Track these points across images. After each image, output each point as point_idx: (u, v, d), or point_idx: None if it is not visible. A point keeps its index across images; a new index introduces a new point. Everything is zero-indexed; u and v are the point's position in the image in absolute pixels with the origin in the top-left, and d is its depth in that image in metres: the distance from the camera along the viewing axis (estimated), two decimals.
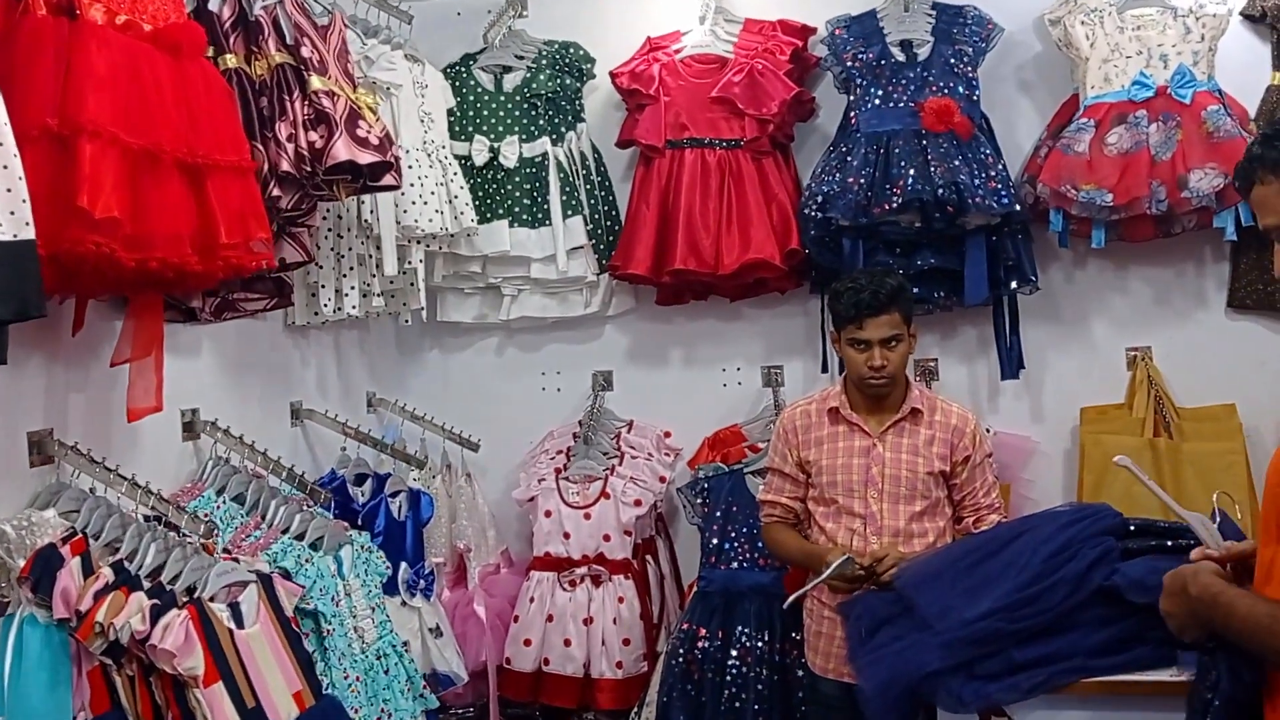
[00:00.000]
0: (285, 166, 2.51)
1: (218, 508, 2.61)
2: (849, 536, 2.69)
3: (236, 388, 2.98)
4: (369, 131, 2.66)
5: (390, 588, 2.98)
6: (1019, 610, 2.09)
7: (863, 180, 3.17)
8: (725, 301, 3.65)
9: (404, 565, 3.10)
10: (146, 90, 2.02)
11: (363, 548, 2.78)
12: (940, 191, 3.09)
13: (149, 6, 2.11)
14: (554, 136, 3.60)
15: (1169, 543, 2.14)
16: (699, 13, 3.54)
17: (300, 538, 2.62)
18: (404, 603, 3.07)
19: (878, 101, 3.27)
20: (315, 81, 2.60)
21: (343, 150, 2.55)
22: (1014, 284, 3.28)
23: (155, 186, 2.00)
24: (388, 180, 2.76)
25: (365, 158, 2.60)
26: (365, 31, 3.25)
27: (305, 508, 2.73)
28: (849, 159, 3.24)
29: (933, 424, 2.72)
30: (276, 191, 2.52)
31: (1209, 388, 3.35)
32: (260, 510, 2.67)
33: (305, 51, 2.62)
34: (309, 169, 2.54)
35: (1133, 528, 2.22)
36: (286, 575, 2.45)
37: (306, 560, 2.56)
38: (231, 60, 2.52)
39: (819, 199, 3.24)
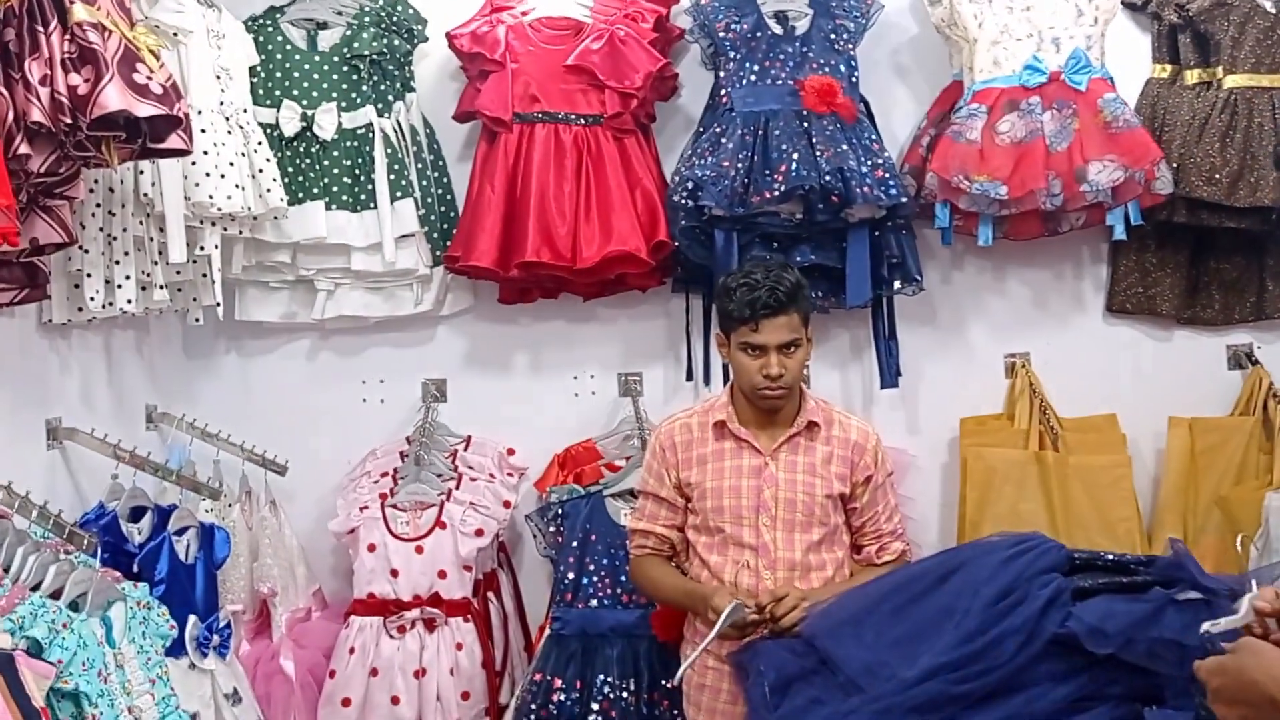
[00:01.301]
0: (36, 116, 1.94)
1: None
2: (738, 571, 2.32)
3: None
4: (150, 78, 2.10)
5: (176, 648, 2.41)
6: (965, 668, 1.76)
7: (740, 165, 2.82)
8: (577, 300, 3.23)
9: (193, 619, 2.52)
10: None
11: (139, 604, 2.22)
12: (827, 179, 2.77)
13: None
14: (379, 106, 3.09)
15: (1123, 579, 1.86)
16: None
17: (56, 595, 2.05)
18: (193, 665, 2.49)
19: (753, 78, 2.92)
20: (80, 10, 2.03)
21: (114, 97, 1.99)
22: (897, 284, 3.00)
23: None
24: (174, 142, 2.21)
25: (144, 109, 2.05)
26: None
27: (62, 555, 2.14)
28: (723, 141, 2.88)
29: (830, 439, 2.38)
30: (24, 149, 1.96)
31: (1088, 396, 3.17)
32: (3, 561, 2.06)
33: None
34: (69, 120, 1.97)
35: (1078, 560, 1.93)
36: (35, 650, 1.88)
37: (63, 626, 1.98)
38: None
39: (689, 185, 2.86)
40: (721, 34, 2.94)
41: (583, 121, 2.99)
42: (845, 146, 2.83)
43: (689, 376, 3.19)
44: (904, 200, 2.87)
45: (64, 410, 2.67)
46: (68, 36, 1.99)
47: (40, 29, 1.96)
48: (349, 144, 3.05)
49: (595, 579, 2.81)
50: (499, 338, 3.31)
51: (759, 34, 2.95)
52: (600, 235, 2.93)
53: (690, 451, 2.39)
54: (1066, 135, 2.82)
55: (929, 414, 3.25)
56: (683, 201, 2.87)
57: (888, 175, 2.85)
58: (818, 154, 2.80)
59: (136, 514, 2.64)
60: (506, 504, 3.04)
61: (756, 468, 2.34)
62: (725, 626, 2.12)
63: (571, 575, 2.82)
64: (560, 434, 3.22)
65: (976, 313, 3.27)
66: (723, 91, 2.97)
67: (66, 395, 2.71)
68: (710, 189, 2.82)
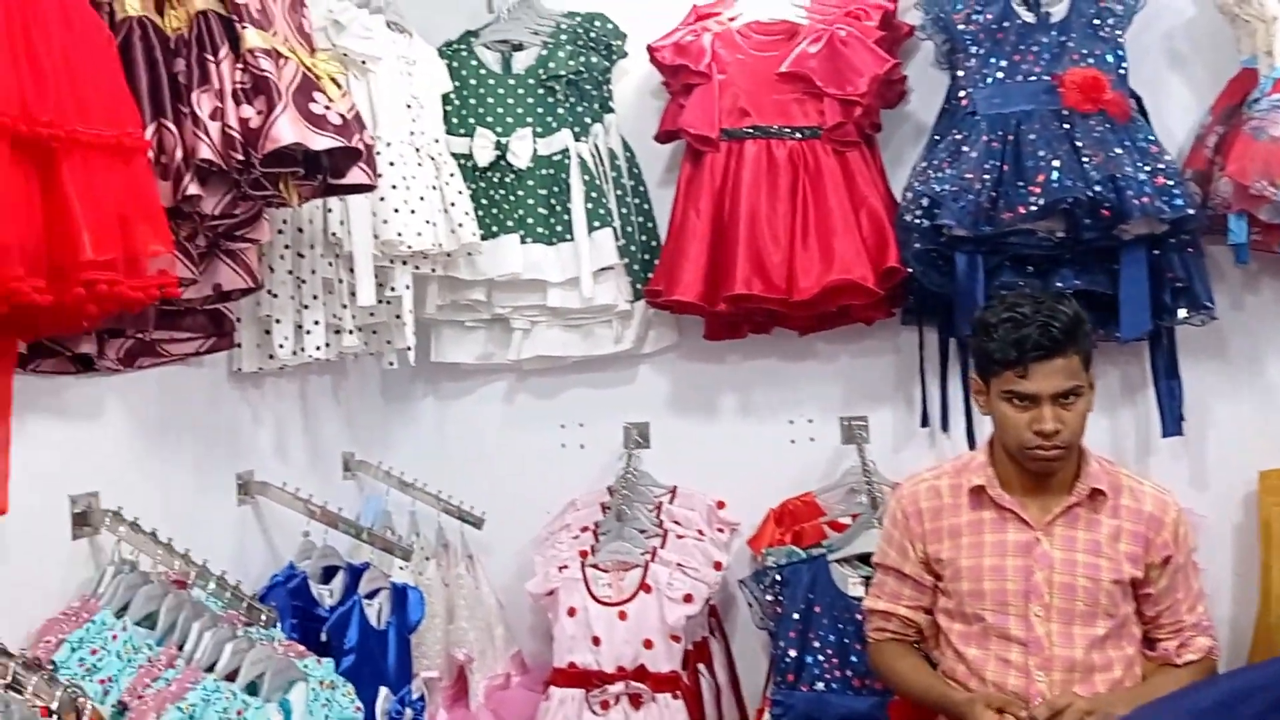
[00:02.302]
0: (205, 153, 1.77)
1: (114, 638, 1.83)
2: (1003, 670, 1.92)
3: (157, 460, 2.21)
4: (329, 108, 1.91)
5: None
6: None
7: (987, 177, 2.42)
8: (793, 335, 2.89)
9: (384, 691, 2.32)
10: None
11: (323, 684, 2.01)
12: (1096, 189, 2.33)
13: None
14: (576, 129, 2.85)
15: None
16: None
17: (232, 677, 1.86)
18: None
19: (1000, 75, 2.52)
20: (252, 37, 1.86)
21: (287, 130, 1.81)
22: (1182, 312, 2.52)
23: None
24: (356, 176, 2.02)
25: (320, 142, 1.86)
26: None
27: (240, 631, 1.96)
28: (964, 149, 2.48)
29: (1119, 510, 1.95)
30: (194, 189, 1.79)
31: None
32: (177, 637, 1.90)
33: None
34: (241, 157, 1.80)
35: None
36: None
37: (238, 714, 1.79)
38: (134, 5, 1.79)
39: (925, 201, 2.48)
40: (960, 26, 2.55)
41: (799, 135, 2.66)
42: (1118, 150, 2.39)
43: (924, 422, 2.80)
44: (1190, 212, 2.39)
45: (256, 463, 2.54)
46: (239, 65, 1.83)
47: (210, 58, 1.80)
48: (544, 172, 2.83)
49: (820, 658, 2.45)
50: (706, 377, 3.01)
51: (1006, 23, 2.54)
52: (820, 263, 2.59)
53: (940, 521, 2.01)
54: None
55: (1219, 466, 2.74)
56: (917, 221, 2.49)
57: (1170, 182, 2.38)
58: (1084, 160, 2.37)
59: (328, 574, 2.48)
60: (717, 565, 2.72)
61: (1025, 544, 1.94)
62: None
63: (793, 653, 2.47)
64: (775, 485, 2.89)
65: (1276, 345, 2.73)
66: (962, 93, 2.57)
67: (259, 447, 2.58)
68: (950, 205, 2.43)
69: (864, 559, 2.47)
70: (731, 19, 2.78)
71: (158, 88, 1.78)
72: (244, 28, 1.86)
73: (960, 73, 2.59)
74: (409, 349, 2.64)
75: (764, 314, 2.78)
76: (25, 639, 1.78)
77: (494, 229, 2.81)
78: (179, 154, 1.77)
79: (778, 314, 2.75)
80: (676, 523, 2.82)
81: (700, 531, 2.82)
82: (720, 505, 2.91)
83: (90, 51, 1.46)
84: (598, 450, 3.05)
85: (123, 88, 1.55)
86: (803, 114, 2.66)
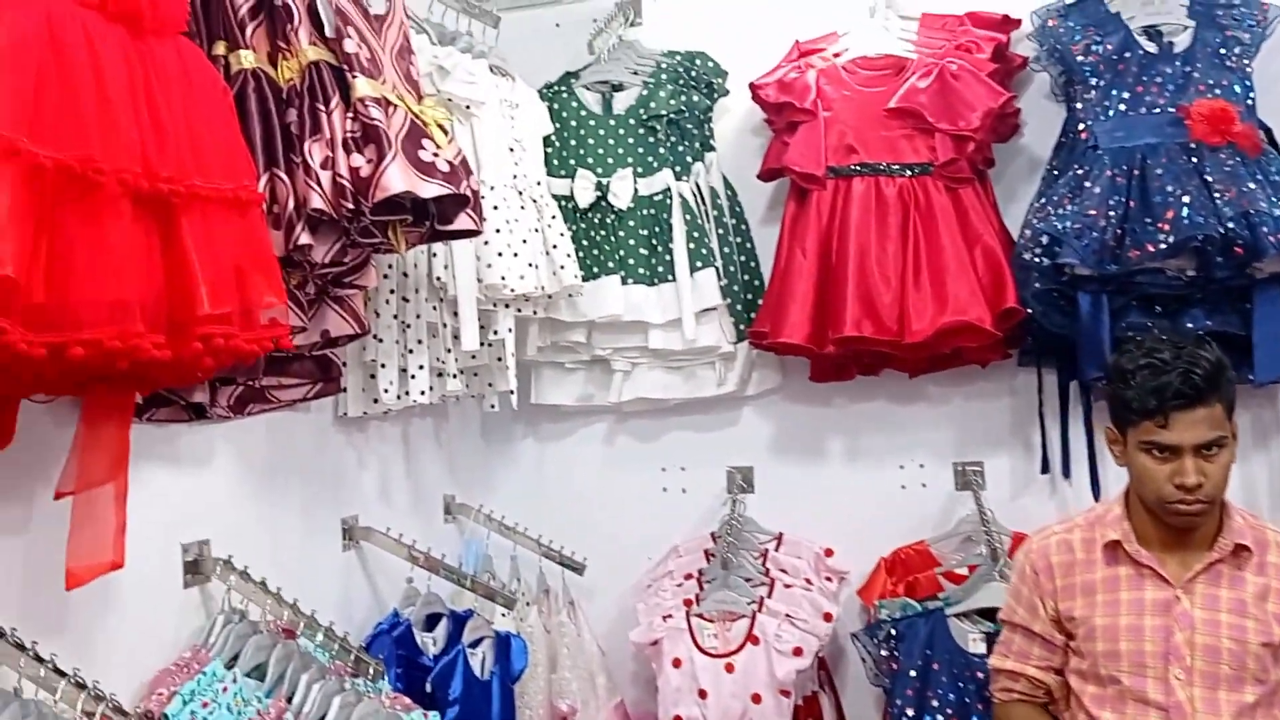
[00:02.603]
0: (317, 202, 1.77)
1: (224, 690, 1.83)
2: None
3: (265, 506, 2.22)
4: (437, 154, 1.90)
5: None
6: None
7: (1112, 213, 2.31)
8: (903, 376, 2.79)
9: None
10: (77, 77, 1.27)
11: None
12: (1229, 226, 2.21)
13: None
14: (678, 169, 2.82)
15: None
16: (867, 2, 2.72)
17: None
18: None
19: (1123, 107, 2.41)
20: (363, 85, 1.86)
21: (398, 178, 1.80)
22: None
23: (86, 225, 1.26)
24: (463, 222, 2.01)
25: (429, 189, 1.85)
26: (439, 38, 2.52)
27: (348, 684, 1.94)
28: (1087, 185, 2.37)
29: (1265, 567, 1.82)
30: (306, 239, 1.79)
31: None
32: (286, 689, 1.88)
33: (350, 46, 1.89)
34: (351, 206, 1.79)
35: None
36: None
37: None
38: (249, 59, 1.81)
39: (1045, 240, 2.38)
40: (1079, 58, 2.46)
41: (909, 172, 2.58)
42: (1250, 185, 2.26)
43: (1044, 468, 2.68)
44: None
45: (361, 508, 2.54)
46: (350, 114, 1.83)
47: (321, 108, 1.80)
48: (645, 212, 2.80)
49: (940, 717, 2.34)
50: (812, 420, 2.92)
51: (1128, 54, 2.44)
52: (933, 303, 2.50)
53: (1073, 577, 1.90)
54: None
55: None
56: (1036, 260, 2.39)
57: None
58: (1215, 195, 2.25)
59: (431, 621, 2.45)
60: (827, 616, 2.62)
61: (1164, 603, 1.82)
62: None
63: (911, 711, 2.36)
64: (886, 533, 2.78)
65: None
66: (1081, 125, 2.47)
67: (363, 491, 2.58)
68: (1073, 243, 2.32)
69: (985, 614, 2.37)
70: (836, 55, 2.72)
71: (271, 138, 1.79)
72: (354, 77, 1.86)
73: (1079, 105, 2.49)
74: (511, 392, 2.61)
75: (873, 355, 2.69)
76: (138, 690, 1.78)
77: (595, 270, 2.78)
78: (291, 203, 1.77)
79: (887, 355, 2.67)
80: (783, 571, 2.74)
81: (808, 580, 2.73)
82: (828, 553, 2.82)
83: (208, 105, 1.46)
84: (700, 495, 2.99)
85: (239, 141, 1.56)
86: (913, 150, 2.58)
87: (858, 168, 2.60)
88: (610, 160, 2.84)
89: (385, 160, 1.80)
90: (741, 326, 2.82)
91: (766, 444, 2.96)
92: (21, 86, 1.20)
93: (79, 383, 1.44)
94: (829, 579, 2.79)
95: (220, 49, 1.80)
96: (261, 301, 1.49)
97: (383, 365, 2.35)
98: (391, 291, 2.37)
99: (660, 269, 2.78)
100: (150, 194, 1.33)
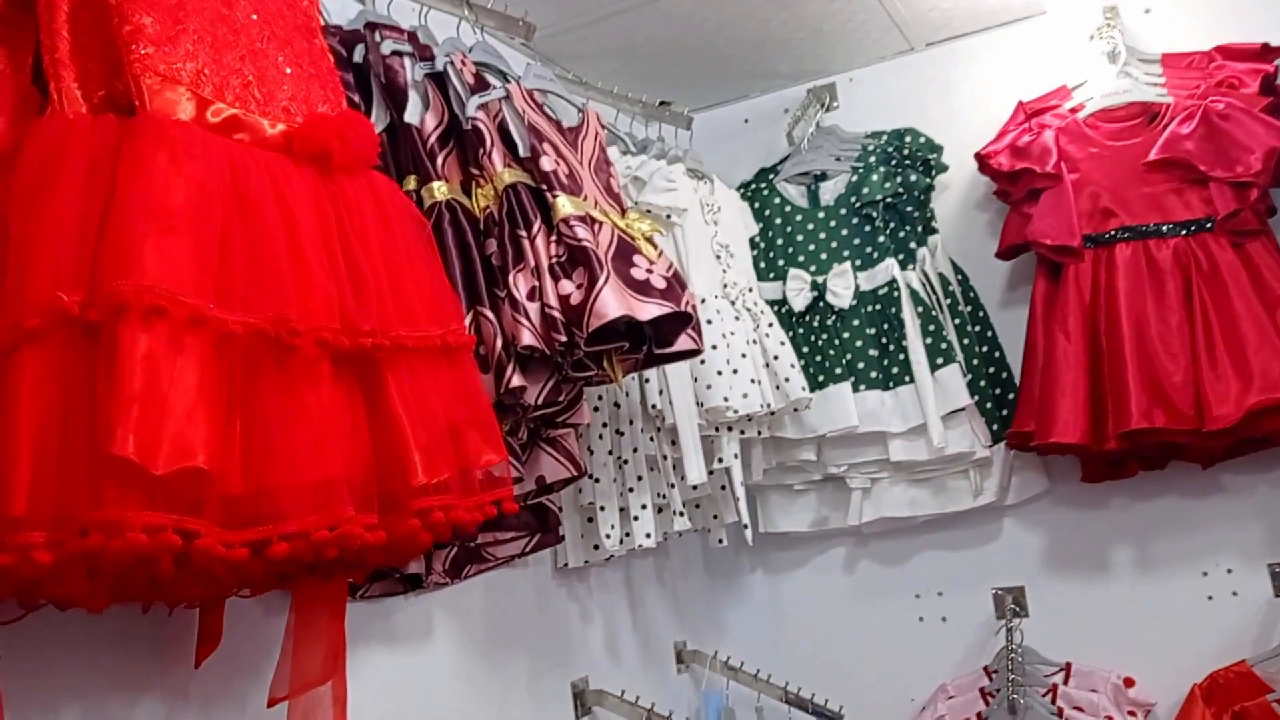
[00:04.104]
0: (527, 339, 1.56)
1: None
2: None
3: (489, 677, 1.99)
4: (650, 271, 1.69)
5: None
6: None
7: None
8: (1194, 468, 2.38)
9: None
10: (266, 229, 1.10)
11: None
12: None
13: (279, 92, 1.22)
14: (901, 257, 2.53)
15: None
16: (1102, 48, 2.41)
17: None
18: None
19: None
20: (564, 204, 1.67)
21: (613, 302, 1.58)
22: None
23: (283, 396, 1.07)
24: (684, 343, 1.77)
25: (648, 310, 1.63)
26: (631, 147, 2.34)
27: None
28: None
29: None
30: (517, 380, 1.58)
31: None
32: None
33: (547, 164, 1.71)
34: (564, 338, 1.58)
35: None
36: None
37: None
38: (441, 190, 1.65)
39: None
40: None
41: (1183, 231, 2.22)
42: None
43: None
44: None
45: (589, 667, 2.28)
46: (553, 237, 1.63)
47: (523, 234, 1.62)
48: (870, 308, 2.52)
49: None
50: (1089, 527, 2.53)
51: None
52: (1236, 382, 2.10)
53: None
54: None
55: None
56: None
57: None
58: None
59: None
60: None
61: None
62: None
63: None
64: (1195, 654, 2.34)
65: None
66: None
67: (590, 648, 2.33)
68: None
69: None
70: (1074, 110, 2.40)
71: (472, 273, 1.62)
72: (555, 196, 1.67)
73: None
74: (746, 526, 2.34)
75: (1157, 446, 2.30)
76: None
77: (821, 379, 2.50)
78: (499, 343, 1.58)
79: (1178, 446, 2.27)
80: (1079, 709, 2.33)
81: (1109, 718, 2.31)
82: (1129, 683, 2.39)
83: (408, 244, 1.28)
84: (963, 623, 2.61)
85: (443, 280, 1.37)
86: (1184, 206, 2.22)
87: (1120, 233, 2.26)
88: (824, 256, 2.58)
89: (597, 284, 1.59)
90: (995, 426, 2.48)
91: (1037, 558, 2.57)
92: (205, 245, 1.04)
93: (284, 575, 1.24)
94: (1132, 713, 2.36)
95: (411, 183, 1.65)
96: (480, 461, 1.28)
97: (602, 508, 2.12)
98: (604, 425, 2.15)
99: (895, 370, 2.47)
100: (351, 351, 1.14)
